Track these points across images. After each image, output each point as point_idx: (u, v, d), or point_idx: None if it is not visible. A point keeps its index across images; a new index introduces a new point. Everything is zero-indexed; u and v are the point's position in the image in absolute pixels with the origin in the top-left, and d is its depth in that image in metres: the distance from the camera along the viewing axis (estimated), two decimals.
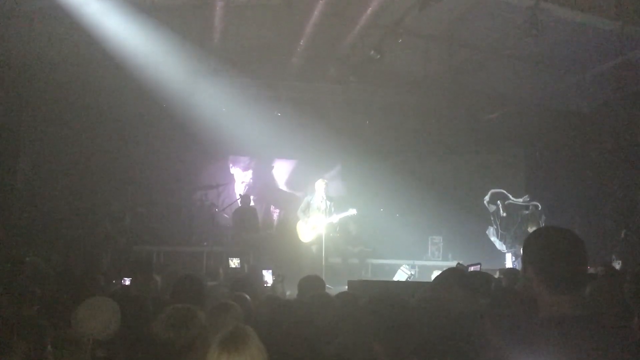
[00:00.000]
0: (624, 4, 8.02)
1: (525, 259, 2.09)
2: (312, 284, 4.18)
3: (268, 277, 7.25)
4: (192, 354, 2.69)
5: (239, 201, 11.63)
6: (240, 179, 13.15)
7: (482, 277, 4.58)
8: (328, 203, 9.96)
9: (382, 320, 2.64)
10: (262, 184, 13.32)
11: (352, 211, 9.91)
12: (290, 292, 6.71)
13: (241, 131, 11.32)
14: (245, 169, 13.29)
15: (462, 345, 2.69)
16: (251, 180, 13.20)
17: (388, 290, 4.84)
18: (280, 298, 3.93)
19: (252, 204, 11.69)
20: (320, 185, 10.08)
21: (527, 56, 9.77)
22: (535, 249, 2.05)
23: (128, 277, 5.53)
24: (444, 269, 4.11)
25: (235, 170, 13.23)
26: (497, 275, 6.53)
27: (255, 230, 11.15)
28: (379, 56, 9.63)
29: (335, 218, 9.91)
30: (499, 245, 10.25)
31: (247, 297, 4.02)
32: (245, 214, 11.32)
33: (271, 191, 13.38)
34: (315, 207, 10.07)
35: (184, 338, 2.67)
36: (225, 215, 11.74)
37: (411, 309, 2.86)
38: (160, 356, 2.72)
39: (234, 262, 9.21)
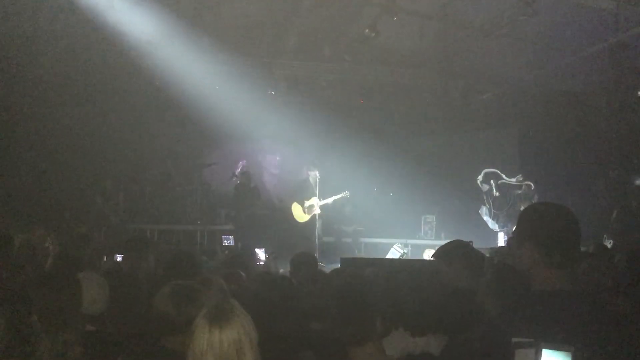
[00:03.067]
0: None
1: (523, 233, 2.08)
2: (304, 261, 4.21)
3: (261, 255, 7.29)
4: (190, 331, 2.69)
5: (237, 179, 11.31)
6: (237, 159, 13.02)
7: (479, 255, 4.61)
8: (320, 185, 10.13)
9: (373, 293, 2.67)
10: (258, 165, 13.30)
11: (346, 193, 10.10)
12: (284, 269, 6.75)
13: (234, 109, 11.27)
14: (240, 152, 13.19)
15: (456, 318, 2.72)
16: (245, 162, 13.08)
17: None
18: (272, 274, 3.95)
19: (252, 184, 11.34)
20: (313, 169, 10.30)
21: (521, 36, 9.73)
22: (534, 223, 2.06)
23: (120, 254, 5.53)
24: (436, 247, 4.14)
25: (232, 150, 13.14)
26: (487, 254, 6.57)
27: (257, 208, 10.89)
28: (373, 35, 9.57)
29: (329, 199, 10.10)
30: (492, 224, 10.32)
31: (242, 273, 4.06)
32: (246, 192, 11.02)
33: (268, 173, 13.37)
34: (308, 190, 10.27)
35: (184, 314, 2.66)
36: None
37: (403, 281, 2.88)
38: (160, 331, 2.72)
39: (228, 241, 9.24)
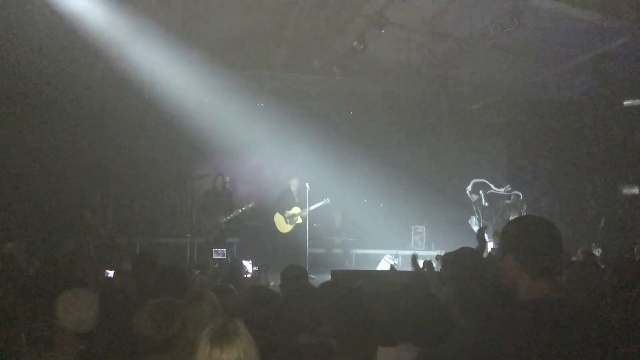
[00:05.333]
0: None
1: (505, 248, 2.14)
2: (294, 274, 4.20)
3: (248, 267, 7.28)
4: (172, 349, 2.68)
5: (212, 182, 10.89)
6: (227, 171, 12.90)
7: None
8: (302, 196, 10.18)
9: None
10: (247, 175, 13.27)
11: (326, 200, 10.15)
12: (275, 282, 6.74)
13: (224, 122, 11.27)
14: (229, 164, 13.15)
15: (427, 328, 2.73)
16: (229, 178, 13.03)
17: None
18: (262, 287, 3.94)
19: (225, 185, 10.95)
20: (294, 180, 10.35)
21: (508, 47, 9.84)
22: (516, 237, 2.11)
23: (111, 269, 5.51)
24: (427, 257, 4.19)
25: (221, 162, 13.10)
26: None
27: (228, 212, 10.40)
28: (362, 47, 9.63)
29: (311, 208, 10.13)
30: None
31: (231, 287, 4.05)
32: (216, 198, 10.62)
33: (257, 183, 13.33)
34: (290, 199, 10.32)
35: (165, 334, 2.66)
36: None
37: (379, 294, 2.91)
38: (140, 351, 2.71)
39: (220, 253, 9.21)
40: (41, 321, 2.58)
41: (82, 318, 2.98)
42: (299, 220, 10.19)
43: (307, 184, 10.17)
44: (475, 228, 10.39)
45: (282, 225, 10.36)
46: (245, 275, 6.95)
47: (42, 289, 3.26)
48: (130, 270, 4.95)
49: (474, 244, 10.23)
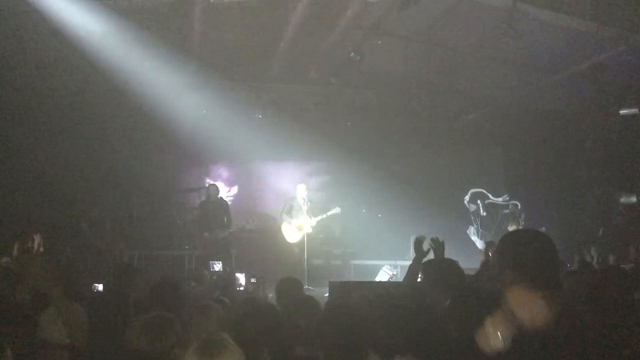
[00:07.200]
0: (599, 6, 8.13)
1: (503, 261, 2.13)
2: (289, 286, 4.19)
3: (242, 279, 7.26)
4: None
5: (205, 192, 10.89)
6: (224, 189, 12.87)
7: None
8: (309, 204, 10.14)
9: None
10: (246, 187, 13.27)
11: (337, 209, 10.12)
12: (272, 294, 6.72)
13: (222, 134, 11.27)
14: (228, 178, 13.18)
15: (423, 340, 2.72)
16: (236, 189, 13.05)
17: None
18: (256, 300, 3.93)
19: (221, 195, 10.96)
20: (301, 188, 10.31)
21: (505, 57, 9.87)
22: (513, 251, 2.10)
23: (100, 283, 5.47)
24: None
25: (220, 173, 13.12)
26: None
27: (224, 226, 10.36)
28: (359, 58, 9.65)
29: (322, 216, 10.10)
30: (480, 244, 10.33)
31: (226, 300, 4.03)
32: (212, 208, 10.55)
33: (255, 194, 13.32)
34: (297, 209, 10.28)
35: (158, 348, 2.63)
36: None
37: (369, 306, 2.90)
38: None
39: (217, 266, 9.17)
40: (25, 335, 2.54)
41: (67, 332, 2.93)
42: (309, 230, 10.15)
43: (305, 194, 10.19)
44: (474, 238, 10.39)
45: (290, 234, 10.34)
46: (238, 288, 6.93)
47: (32, 303, 3.22)
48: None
49: (473, 254, 10.27)
